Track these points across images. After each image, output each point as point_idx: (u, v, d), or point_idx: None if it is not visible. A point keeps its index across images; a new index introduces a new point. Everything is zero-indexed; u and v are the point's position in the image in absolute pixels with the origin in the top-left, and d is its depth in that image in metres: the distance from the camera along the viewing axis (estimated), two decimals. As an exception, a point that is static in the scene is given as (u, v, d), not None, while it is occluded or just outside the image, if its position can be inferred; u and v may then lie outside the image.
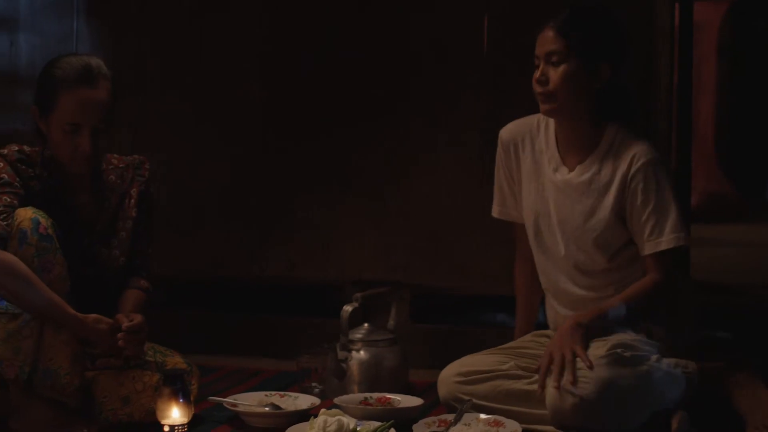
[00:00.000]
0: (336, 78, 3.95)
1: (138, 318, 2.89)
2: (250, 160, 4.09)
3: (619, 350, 2.77)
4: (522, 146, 3.12)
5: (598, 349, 2.78)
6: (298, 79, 4.01)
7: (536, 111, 3.05)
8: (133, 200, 3.09)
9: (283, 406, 3.01)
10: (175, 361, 3.01)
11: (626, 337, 2.86)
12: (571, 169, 3.01)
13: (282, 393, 3.11)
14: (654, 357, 2.81)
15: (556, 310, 3.12)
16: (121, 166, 3.11)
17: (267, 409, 2.97)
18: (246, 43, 4.08)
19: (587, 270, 3.01)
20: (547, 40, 2.93)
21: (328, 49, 3.96)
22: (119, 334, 2.84)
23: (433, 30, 3.84)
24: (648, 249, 2.93)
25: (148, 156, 3.23)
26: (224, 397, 3.05)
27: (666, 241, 2.91)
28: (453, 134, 3.81)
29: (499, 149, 3.18)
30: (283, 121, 4.05)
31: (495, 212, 3.25)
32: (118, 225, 3.06)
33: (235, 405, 2.99)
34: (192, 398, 2.66)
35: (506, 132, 3.17)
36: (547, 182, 3.05)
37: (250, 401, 3.03)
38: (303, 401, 3.04)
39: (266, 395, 3.09)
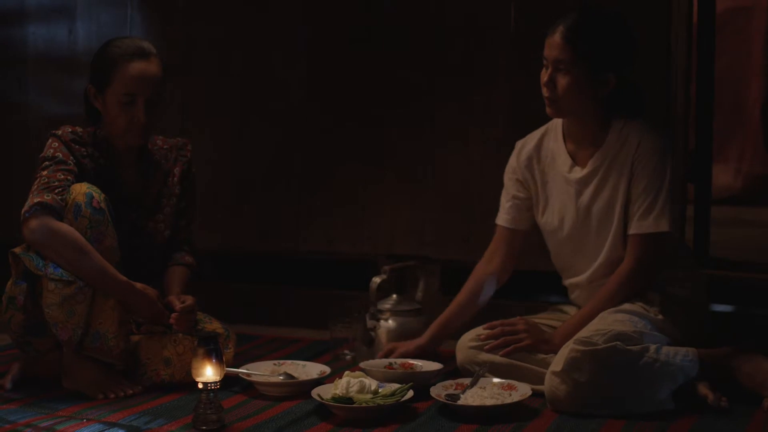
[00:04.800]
0: (374, 61, 4.03)
1: (189, 300, 3.05)
2: (292, 140, 4.18)
3: (618, 343, 2.72)
4: (537, 158, 3.15)
5: (598, 336, 2.74)
6: (339, 62, 4.09)
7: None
8: (176, 178, 3.24)
9: (294, 374, 3.06)
10: (214, 326, 3.15)
11: (629, 325, 2.81)
12: (583, 166, 3.04)
13: (291, 362, 3.16)
14: (653, 348, 2.76)
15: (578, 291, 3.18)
16: (165, 147, 3.26)
17: (281, 378, 3.03)
18: (289, 26, 4.16)
19: (620, 257, 3.01)
20: (555, 46, 2.90)
21: (368, 32, 4.03)
22: (173, 315, 3.00)
23: (463, 12, 3.87)
24: (629, 230, 2.96)
25: (196, 134, 3.36)
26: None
27: (645, 225, 2.92)
28: (482, 114, 3.85)
29: (513, 163, 3.21)
30: (324, 103, 4.14)
31: (502, 221, 3.25)
32: (162, 201, 3.21)
33: (248, 375, 3.03)
34: (224, 360, 2.72)
35: (520, 145, 3.21)
36: (565, 183, 3.08)
37: (262, 370, 3.08)
38: (312, 369, 3.09)
39: (275, 364, 3.14)
